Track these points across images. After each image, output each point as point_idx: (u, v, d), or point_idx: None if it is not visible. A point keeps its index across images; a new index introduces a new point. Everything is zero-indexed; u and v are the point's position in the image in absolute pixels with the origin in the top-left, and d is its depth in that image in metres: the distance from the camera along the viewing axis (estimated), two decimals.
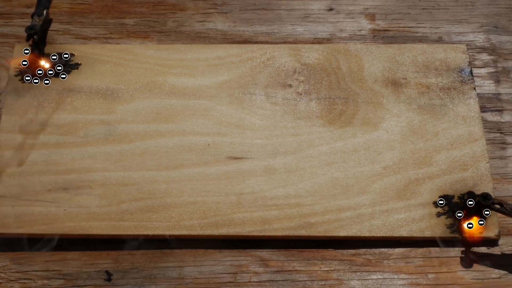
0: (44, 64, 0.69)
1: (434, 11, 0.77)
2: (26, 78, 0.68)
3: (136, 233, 0.60)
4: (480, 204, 0.59)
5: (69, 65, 0.69)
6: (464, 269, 0.60)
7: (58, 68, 0.69)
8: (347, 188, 0.63)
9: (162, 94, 0.68)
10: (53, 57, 0.70)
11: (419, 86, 0.69)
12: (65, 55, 0.70)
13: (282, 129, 0.66)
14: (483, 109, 0.69)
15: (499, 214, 0.61)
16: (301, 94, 0.69)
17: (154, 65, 0.71)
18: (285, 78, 0.70)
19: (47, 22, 0.71)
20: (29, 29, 0.67)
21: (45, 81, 0.68)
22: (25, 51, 0.70)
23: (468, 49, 0.72)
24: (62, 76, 0.69)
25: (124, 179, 0.63)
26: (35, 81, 0.68)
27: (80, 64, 0.69)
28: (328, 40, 0.75)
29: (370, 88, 0.69)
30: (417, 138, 0.66)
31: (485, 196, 0.59)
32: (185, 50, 0.72)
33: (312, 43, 0.75)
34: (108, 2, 0.78)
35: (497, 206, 0.58)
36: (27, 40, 0.67)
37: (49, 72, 0.69)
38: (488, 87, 0.71)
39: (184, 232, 0.60)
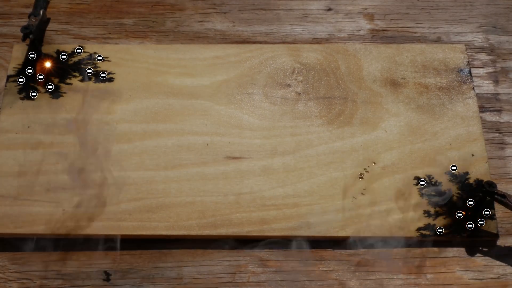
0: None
1: (433, 11, 0.77)
2: (20, 80, 0.68)
3: (134, 233, 0.60)
4: (485, 191, 0.59)
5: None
6: (462, 269, 0.60)
7: (88, 71, 0.69)
8: (345, 188, 0.62)
9: (160, 94, 0.68)
10: (62, 56, 0.70)
11: (418, 86, 0.69)
12: (78, 50, 0.70)
13: (281, 129, 0.66)
14: (481, 109, 0.69)
15: (498, 214, 0.61)
16: (300, 94, 0.69)
17: (153, 65, 0.70)
18: (283, 78, 0.70)
19: (45, 22, 0.71)
20: (24, 28, 0.67)
21: (49, 86, 0.68)
22: (31, 55, 0.69)
23: (466, 49, 0.72)
24: (102, 76, 0.69)
25: (123, 179, 0.63)
26: (32, 94, 0.68)
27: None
28: (327, 40, 0.75)
29: (369, 88, 0.69)
30: (416, 138, 0.66)
31: (490, 183, 0.59)
32: (184, 50, 0.72)
33: (311, 43, 0.75)
34: (107, 2, 0.78)
35: (500, 197, 0.58)
36: (23, 40, 0.67)
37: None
38: (486, 87, 0.71)
39: (183, 232, 0.60)
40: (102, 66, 0.70)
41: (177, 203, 0.62)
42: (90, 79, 0.69)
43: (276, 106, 0.68)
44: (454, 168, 0.63)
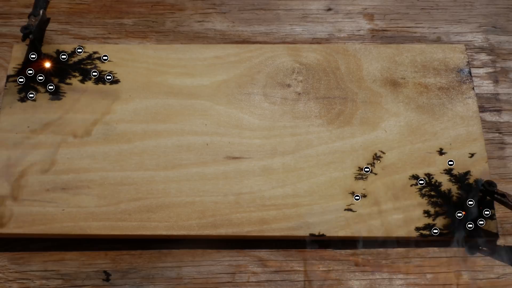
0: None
1: (433, 11, 0.77)
2: (20, 80, 0.68)
3: (134, 233, 0.60)
4: (485, 191, 0.59)
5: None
6: (462, 269, 0.60)
7: (94, 74, 0.69)
8: (345, 188, 0.62)
9: (160, 94, 0.68)
10: (62, 56, 0.70)
11: (417, 86, 0.69)
12: (78, 50, 0.70)
13: (281, 129, 0.66)
14: (481, 109, 0.69)
15: (498, 214, 0.61)
16: (299, 94, 0.69)
17: (153, 65, 0.70)
18: (283, 78, 0.70)
19: (44, 22, 0.71)
20: (24, 28, 0.67)
21: (49, 87, 0.68)
22: (32, 56, 0.69)
23: (466, 49, 0.72)
24: (108, 78, 0.69)
25: (123, 179, 0.63)
26: (30, 95, 0.67)
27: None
28: (326, 40, 0.75)
29: (368, 88, 0.69)
30: (415, 138, 0.66)
31: (490, 183, 0.59)
32: (184, 50, 0.72)
33: (311, 43, 0.74)
34: (107, 2, 0.78)
35: (500, 196, 0.58)
36: (23, 40, 0.67)
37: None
38: (486, 87, 0.71)
39: (183, 232, 0.60)
40: (102, 66, 0.70)
41: (177, 203, 0.62)
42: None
43: (276, 106, 0.68)
44: (451, 163, 0.63)
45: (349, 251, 0.61)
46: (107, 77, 0.69)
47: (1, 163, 0.63)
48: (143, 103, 0.68)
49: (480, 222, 0.60)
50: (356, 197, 0.62)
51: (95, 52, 0.71)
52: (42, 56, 0.70)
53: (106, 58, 0.70)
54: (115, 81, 0.69)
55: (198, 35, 0.75)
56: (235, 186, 0.63)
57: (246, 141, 0.65)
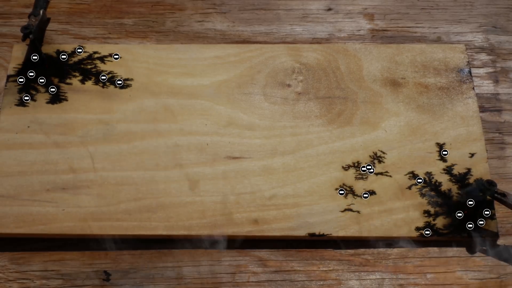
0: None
1: (433, 11, 0.77)
2: (20, 80, 0.68)
3: (134, 233, 0.60)
4: (485, 189, 0.59)
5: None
6: (462, 269, 0.60)
7: (102, 78, 0.69)
8: (345, 188, 0.62)
9: (160, 94, 0.68)
10: (62, 56, 0.70)
11: (418, 86, 0.69)
12: (78, 50, 0.70)
13: (281, 128, 0.66)
14: (481, 109, 0.69)
15: (498, 214, 0.61)
16: (300, 93, 0.69)
17: (153, 65, 0.70)
18: (284, 78, 0.70)
19: (45, 22, 0.71)
20: (24, 28, 0.67)
21: (51, 89, 0.68)
22: (33, 57, 0.69)
23: (467, 49, 0.72)
24: (118, 82, 0.68)
25: (123, 179, 0.63)
26: (25, 98, 0.67)
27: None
28: (327, 40, 0.75)
29: (369, 88, 0.69)
30: (416, 137, 0.66)
31: (490, 182, 0.59)
32: (184, 50, 0.72)
33: (311, 43, 0.74)
34: (107, 2, 0.78)
35: (500, 196, 0.58)
36: (23, 40, 0.67)
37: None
38: (486, 87, 0.71)
39: (183, 232, 0.60)
40: (102, 66, 0.70)
41: (177, 203, 0.62)
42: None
43: (276, 106, 0.68)
44: (446, 153, 0.63)
45: (349, 251, 0.61)
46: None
47: (1, 163, 0.63)
48: (143, 103, 0.68)
49: (480, 222, 0.60)
50: (357, 197, 0.62)
51: (95, 52, 0.71)
52: (43, 57, 0.70)
53: (117, 57, 0.70)
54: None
55: (198, 35, 0.75)
56: (235, 186, 0.63)
57: (246, 141, 0.65)
